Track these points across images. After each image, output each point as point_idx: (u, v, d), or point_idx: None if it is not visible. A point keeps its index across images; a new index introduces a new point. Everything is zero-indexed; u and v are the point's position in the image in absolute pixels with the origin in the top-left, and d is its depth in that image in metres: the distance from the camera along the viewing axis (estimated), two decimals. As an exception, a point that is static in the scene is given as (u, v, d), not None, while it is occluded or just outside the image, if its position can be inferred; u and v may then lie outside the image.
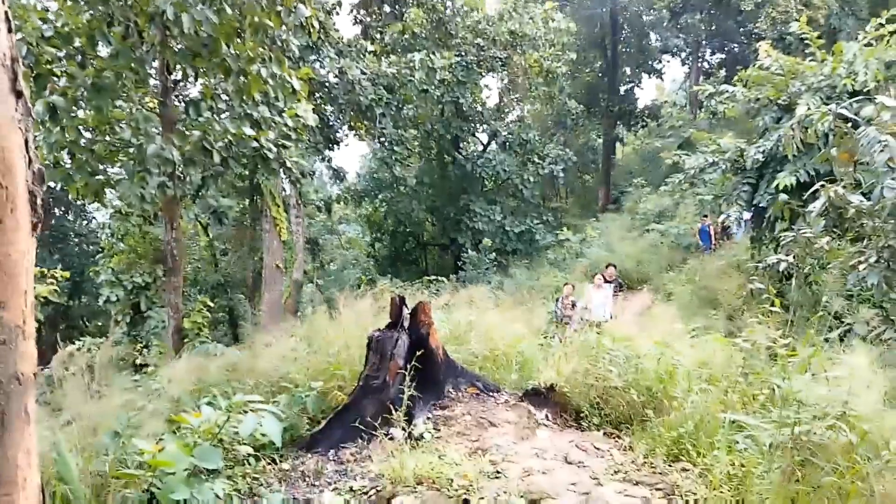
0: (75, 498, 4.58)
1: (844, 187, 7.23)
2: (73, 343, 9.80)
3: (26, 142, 1.91)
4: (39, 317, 13.46)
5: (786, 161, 11.42)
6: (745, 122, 17.18)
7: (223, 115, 10.53)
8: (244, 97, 9.89)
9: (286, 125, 10.79)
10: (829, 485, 4.06)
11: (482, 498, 4.84)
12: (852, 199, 7.12)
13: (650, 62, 40.48)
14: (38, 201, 1.99)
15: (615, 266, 14.72)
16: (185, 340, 11.47)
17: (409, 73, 21.27)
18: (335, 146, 23.46)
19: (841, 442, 4.11)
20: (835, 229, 7.80)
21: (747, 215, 20.46)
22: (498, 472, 5.32)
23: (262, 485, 5.41)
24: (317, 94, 19.41)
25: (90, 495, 4.73)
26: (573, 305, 12.22)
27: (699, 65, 40.65)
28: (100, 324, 24.77)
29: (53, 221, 26.11)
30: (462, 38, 24.60)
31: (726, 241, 21.21)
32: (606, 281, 13.42)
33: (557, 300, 12.81)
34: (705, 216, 22.16)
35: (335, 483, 5.46)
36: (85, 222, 28.75)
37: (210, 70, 9.63)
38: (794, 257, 8.27)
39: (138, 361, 12.82)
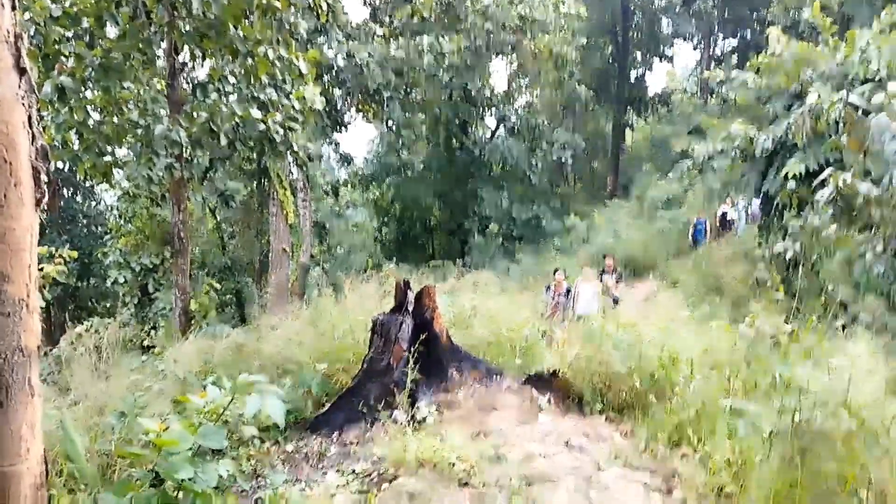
0: (81, 476, 4.63)
1: (853, 175, 7.19)
2: (82, 324, 9.87)
3: (30, 118, 1.93)
4: (48, 297, 13.54)
5: (795, 149, 11.35)
6: (756, 109, 17.05)
7: (231, 98, 10.53)
8: (251, 79, 9.89)
9: (293, 108, 10.79)
10: (828, 471, 4.07)
11: (483, 481, 4.87)
12: (861, 188, 7.09)
13: (661, 48, 40.15)
14: (42, 177, 2.01)
15: (613, 257, 14.06)
16: (192, 322, 11.53)
17: (417, 57, 21.17)
18: (343, 129, 23.43)
19: (841, 429, 4.12)
20: (843, 218, 7.78)
21: (756, 203, 20.14)
22: (499, 456, 5.34)
23: (265, 466, 5.46)
24: (325, 77, 19.38)
25: (96, 474, 4.78)
26: (568, 292, 11.75)
27: (711, 51, 40.33)
28: (108, 305, 24.90)
29: (62, 203, 26.21)
30: (471, 23, 24.44)
31: (726, 233, 20.89)
32: (606, 273, 13.11)
33: (548, 287, 12.16)
34: (701, 211, 21.77)
35: (338, 465, 5.50)
36: (93, 203, 28.83)
37: (218, 52, 9.64)
38: (801, 245, 8.25)
39: (145, 343, 12.89)
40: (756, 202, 20.32)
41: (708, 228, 20.80)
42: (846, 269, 10.69)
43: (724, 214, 22.04)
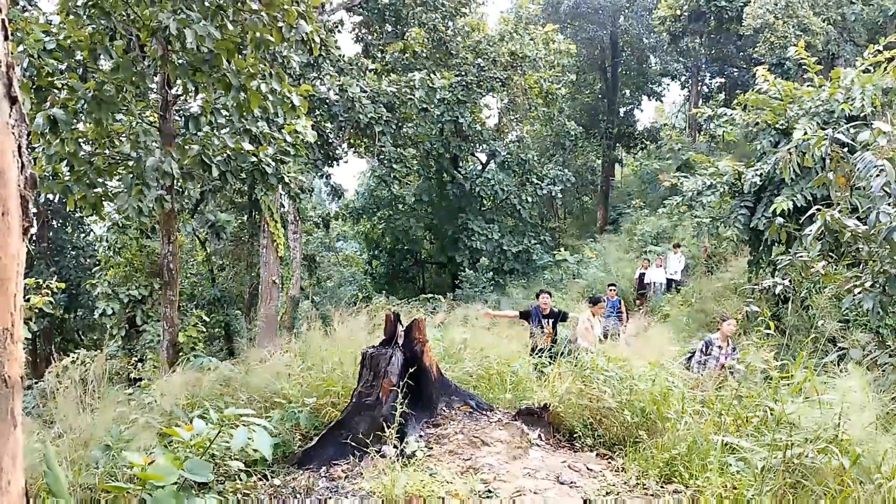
0: (63, 510, 4.54)
1: (840, 212, 7.25)
2: (68, 356, 9.76)
3: (19, 147, 1.93)
4: (34, 329, 13.39)
5: (783, 184, 11.46)
6: (744, 145, 17.25)
7: (223, 130, 10.56)
8: (244, 112, 9.92)
9: (285, 141, 10.83)
10: (820, 508, 4.05)
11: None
12: (848, 224, 7.14)
13: (650, 85, 40.72)
14: (30, 206, 2.00)
15: (549, 294, 11.41)
16: (180, 355, 11.41)
17: (409, 92, 21.34)
18: (334, 163, 23.54)
19: (833, 465, 4.10)
20: (831, 253, 7.82)
21: (675, 261, 20.02)
22: (489, 492, 5.28)
23: (252, 500, 5.38)
24: (317, 111, 19.49)
25: (79, 508, 4.69)
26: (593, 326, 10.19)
27: (698, 88, 40.92)
28: (95, 337, 24.64)
29: (51, 233, 26.08)
30: (462, 58, 24.75)
31: (641, 302, 19.92)
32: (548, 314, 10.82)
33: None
34: (612, 286, 16.82)
35: (326, 500, 5.42)
36: (83, 234, 28.67)
37: (210, 85, 9.68)
38: (790, 281, 8.29)
39: (132, 375, 12.74)
40: (674, 260, 20.06)
41: (624, 310, 16.54)
42: (835, 304, 10.73)
43: (640, 277, 20.57)
